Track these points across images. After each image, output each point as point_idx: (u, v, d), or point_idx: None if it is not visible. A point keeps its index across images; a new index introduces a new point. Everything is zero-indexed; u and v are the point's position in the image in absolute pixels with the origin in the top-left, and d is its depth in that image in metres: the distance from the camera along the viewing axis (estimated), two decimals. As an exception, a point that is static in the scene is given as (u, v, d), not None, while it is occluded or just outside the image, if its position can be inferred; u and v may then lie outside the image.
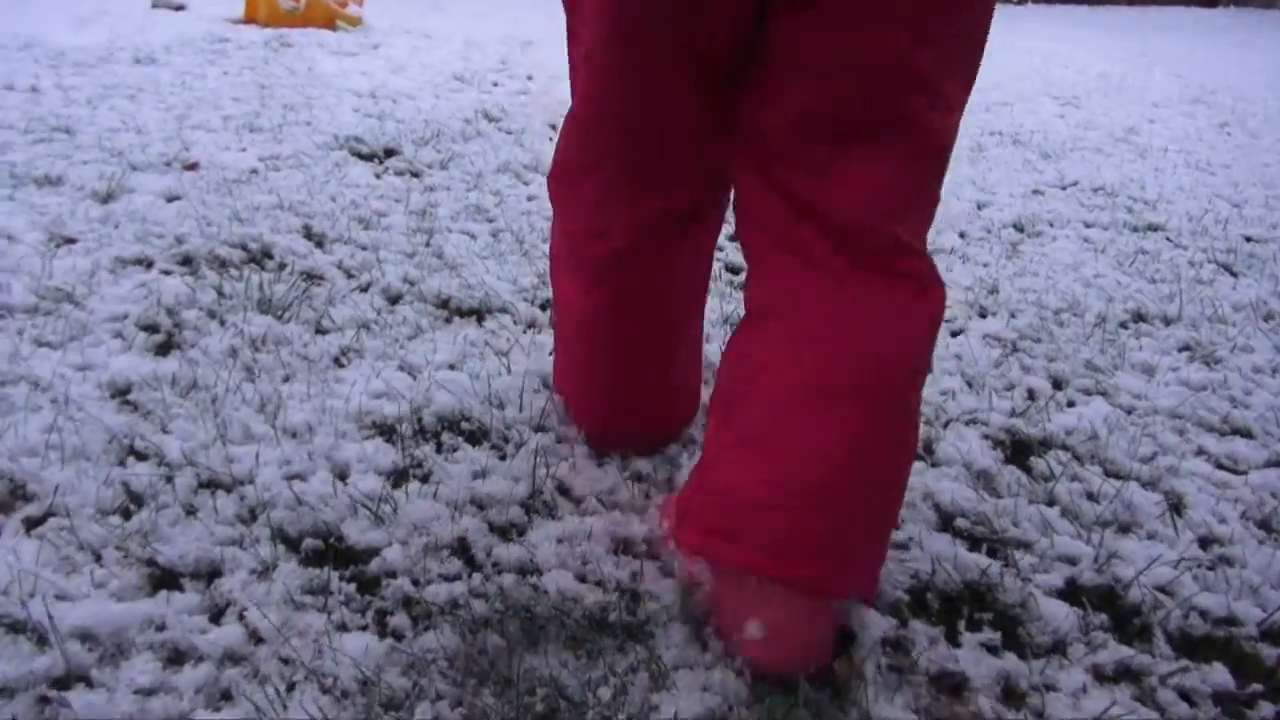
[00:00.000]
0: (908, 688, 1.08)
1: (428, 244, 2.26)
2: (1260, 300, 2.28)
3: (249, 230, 2.19)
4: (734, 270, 2.26)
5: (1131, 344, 2.00)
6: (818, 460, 1.02)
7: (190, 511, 1.23)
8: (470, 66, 4.43)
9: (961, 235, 2.72)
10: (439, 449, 1.42)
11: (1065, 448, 1.57)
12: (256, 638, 1.06)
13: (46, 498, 1.24)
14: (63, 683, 0.99)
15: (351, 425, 1.45)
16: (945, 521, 1.36)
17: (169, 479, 1.28)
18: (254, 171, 2.70)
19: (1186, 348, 2.01)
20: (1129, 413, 1.72)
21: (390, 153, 2.97)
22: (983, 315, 2.11)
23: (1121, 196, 3.18)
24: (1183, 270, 2.50)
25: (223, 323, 1.77)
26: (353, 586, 1.14)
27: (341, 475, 1.34)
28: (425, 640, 1.08)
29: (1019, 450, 1.57)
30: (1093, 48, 7.21)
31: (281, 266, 2.07)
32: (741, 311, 1.20)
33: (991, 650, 1.14)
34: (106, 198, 2.37)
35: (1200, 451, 1.61)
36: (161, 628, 1.06)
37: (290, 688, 1.00)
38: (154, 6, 5.32)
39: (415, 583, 1.15)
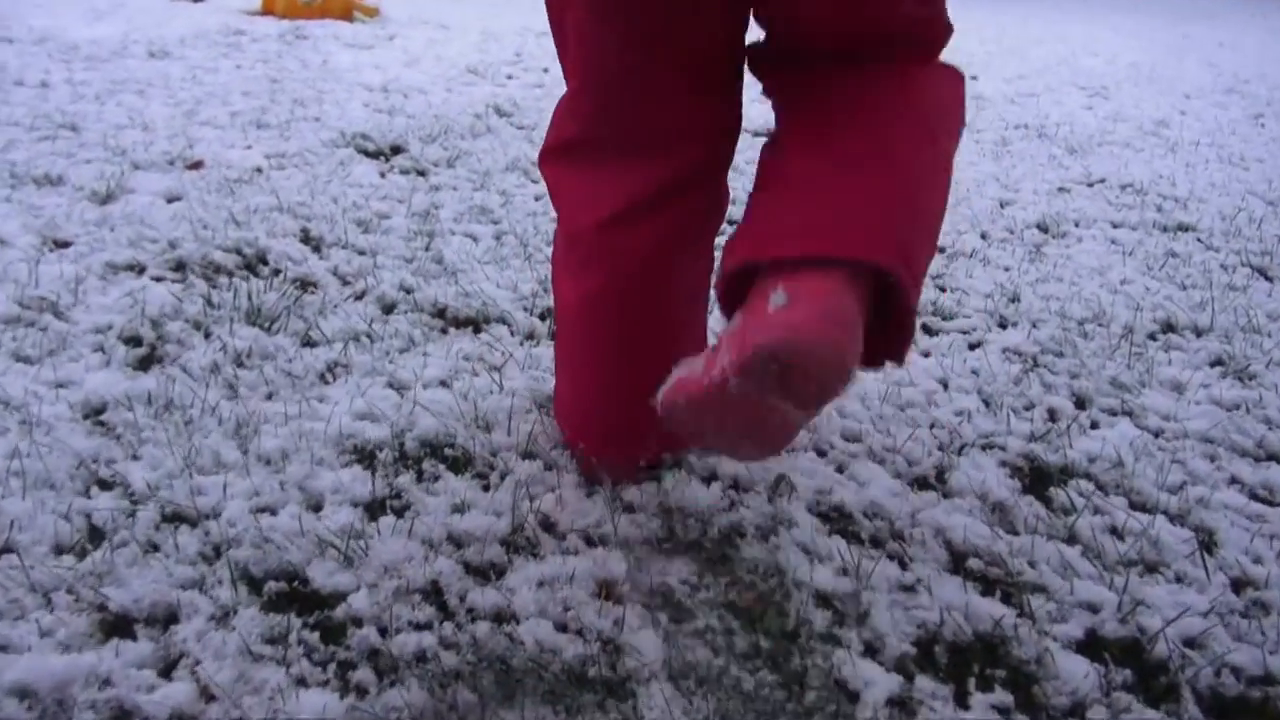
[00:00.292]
0: (910, 756, 0.98)
1: (428, 248, 2.17)
2: (1297, 309, 2.15)
3: (245, 234, 2.11)
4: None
5: (1160, 358, 1.88)
6: (873, 189, 1.05)
7: (151, 548, 1.15)
8: (485, 59, 4.33)
9: (983, 236, 2.59)
10: (419, 477, 1.33)
11: (1088, 476, 1.46)
12: (208, 695, 0.98)
13: (2, 532, 1.16)
14: (-3, 746, 0.92)
15: (330, 451, 1.37)
16: (957, 561, 1.26)
17: (132, 513, 1.20)
18: (258, 170, 2.62)
19: (1219, 362, 1.88)
20: (1157, 435, 1.60)
21: (397, 150, 2.89)
22: (1003, 326, 1.99)
23: (1151, 194, 3.04)
24: (1215, 275, 2.37)
25: (208, 335, 1.69)
26: (315, 635, 1.05)
27: (315, 507, 1.25)
28: (390, 697, 0.99)
29: (1038, 479, 1.46)
30: (1124, 35, 7.00)
31: (276, 273, 1.98)
32: None
33: (1003, 713, 1.04)
34: (105, 199, 2.30)
35: (1233, 480, 1.49)
36: (107, 683, 0.98)
37: (240, 753, 0.92)
38: (173, -2, 5.25)
39: (383, 631, 1.06)
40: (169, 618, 1.07)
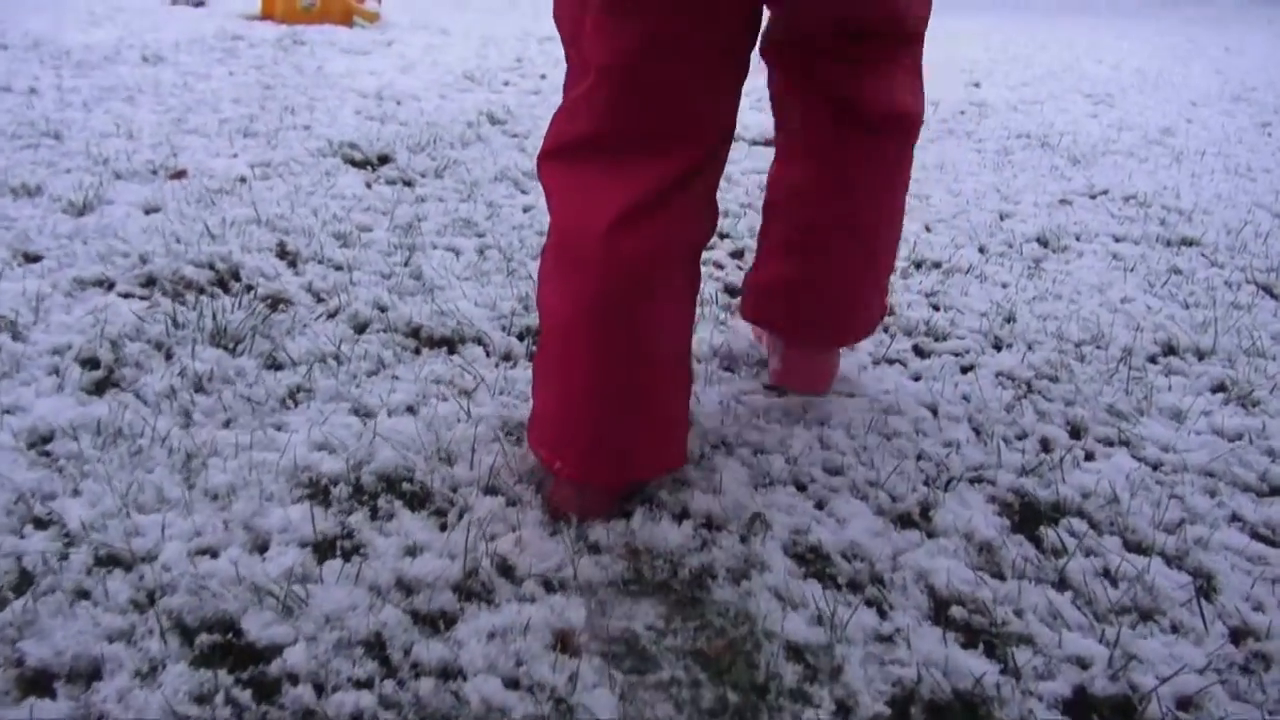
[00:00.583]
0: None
1: (407, 263, 2.09)
2: (1303, 330, 2.05)
3: (219, 249, 2.04)
4: (731, 292, 2.08)
5: (1160, 383, 1.79)
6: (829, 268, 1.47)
7: (80, 596, 1.08)
8: (484, 65, 4.26)
9: (981, 250, 2.51)
10: (374, 515, 1.25)
11: (1081, 514, 1.38)
12: (125, 761, 0.90)
13: (-75, 576, 1.09)
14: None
15: (282, 485, 1.29)
16: (939, 609, 1.18)
17: (64, 555, 1.13)
18: (241, 180, 2.55)
19: (1221, 387, 1.79)
20: (1155, 468, 1.51)
21: (384, 159, 2.81)
22: (997, 347, 1.91)
23: (1154, 206, 2.95)
24: (1219, 293, 2.28)
25: (170, 356, 1.61)
26: (247, 694, 0.98)
27: (260, 547, 1.18)
28: (322, 763, 0.92)
29: (1028, 516, 1.37)
30: (1130, 40, 6.89)
31: (248, 289, 1.91)
32: (733, 348, 1.71)
33: (982, 784, 0.96)
34: (82, 210, 2.23)
35: (1234, 518, 1.40)
36: (17, 748, 0.91)
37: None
38: (173, 3, 5.19)
39: (319, 689, 0.99)
40: (92, 673, 0.99)
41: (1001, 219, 2.79)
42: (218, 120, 3.06)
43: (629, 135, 1.19)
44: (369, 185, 2.60)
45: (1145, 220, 2.81)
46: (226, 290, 1.90)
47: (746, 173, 2.89)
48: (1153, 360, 1.90)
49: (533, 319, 1.88)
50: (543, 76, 4.14)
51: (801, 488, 1.40)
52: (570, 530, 1.25)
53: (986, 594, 1.19)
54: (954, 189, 3.04)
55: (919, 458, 1.48)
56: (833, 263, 1.45)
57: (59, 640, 1.01)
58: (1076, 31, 7.33)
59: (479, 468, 1.35)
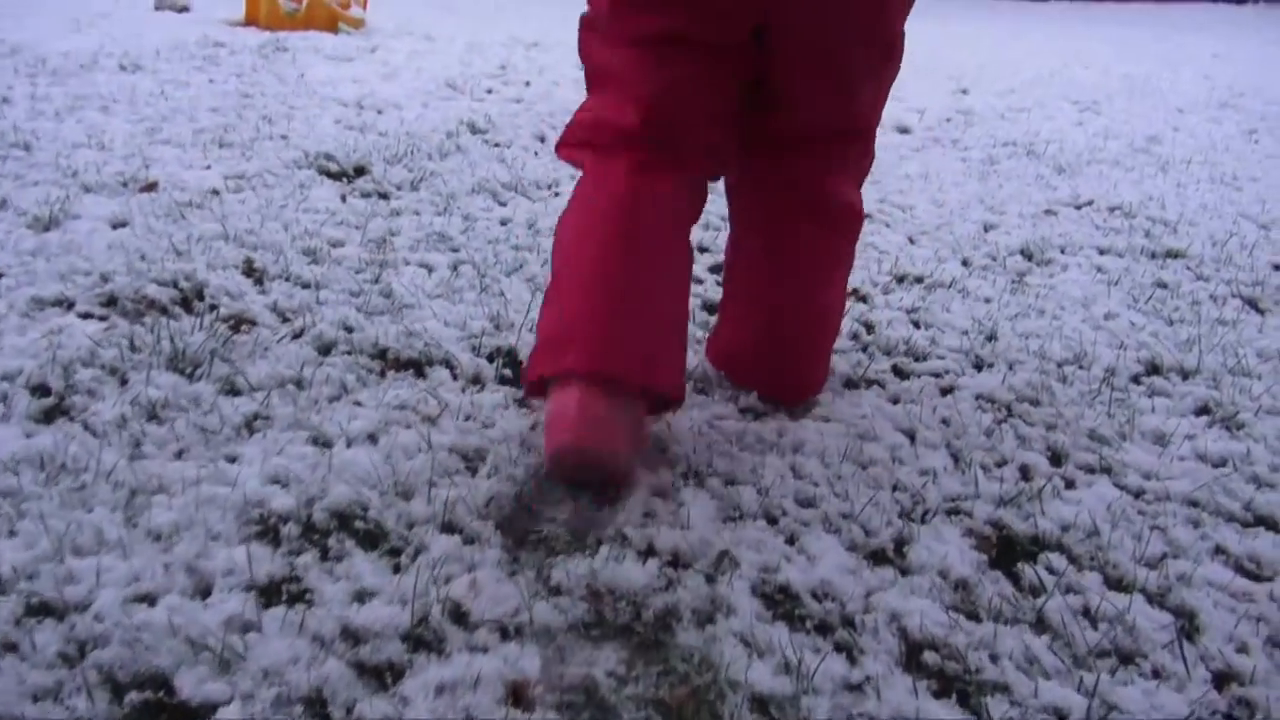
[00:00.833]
0: None
1: (377, 280, 2.03)
2: (1289, 347, 2.00)
3: (184, 266, 1.97)
4: (709, 309, 2.02)
5: (1143, 404, 1.74)
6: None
7: (7, 649, 1.01)
8: (467, 72, 4.20)
9: (965, 263, 2.46)
10: (324, 555, 1.19)
11: (1060, 548, 1.32)
12: (42, 834, 0.84)
13: None
14: None
15: (231, 523, 1.23)
16: (911, 654, 1.12)
17: (-7, 603, 1.07)
18: (214, 192, 2.49)
19: (1205, 409, 1.74)
20: (1137, 496, 1.46)
21: (360, 171, 2.75)
22: (978, 367, 1.85)
23: (1140, 217, 2.90)
24: (1204, 308, 2.23)
25: (125, 382, 1.55)
26: (177, 756, 0.92)
27: (203, 591, 1.12)
28: (253, 834, 0.86)
29: (1006, 550, 1.32)
30: (1118, 46, 6.85)
31: (212, 308, 1.85)
32: (708, 369, 1.73)
33: None
34: (47, 225, 2.17)
35: (1218, 550, 1.35)
36: (-72, 820, 0.84)
37: None
38: (157, 9, 5.12)
39: (254, 751, 0.93)
40: (14, 735, 0.93)
41: (985, 230, 2.74)
42: (193, 130, 2.99)
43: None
44: (343, 198, 2.54)
45: (1130, 232, 2.76)
46: (189, 310, 1.84)
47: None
48: (1136, 380, 1.85)
49: (503, 339, 1.82)
50: (526, 84, 4.09)
51: (773, 521, 1.34)
52: (531, 571, 1.19)
53: (961, 639, 1.13)
54: (938, 199, 2.99)
55: (895, 488, 1.43)
56: (784, 339, 1.59)
57: (-20, 699, 0.94)
58: (1067, 35, 7.29)
59: (436, 502, 1.29)
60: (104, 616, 1.05)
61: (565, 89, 4.05)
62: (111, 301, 1.83)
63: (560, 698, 1.03)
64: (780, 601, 1.19)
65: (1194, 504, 1.45)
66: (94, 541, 1.17)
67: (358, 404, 1.56)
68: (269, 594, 1.12)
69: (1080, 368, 1.86)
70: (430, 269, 2.14)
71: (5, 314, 1.74)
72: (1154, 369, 1.89)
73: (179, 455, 1.38)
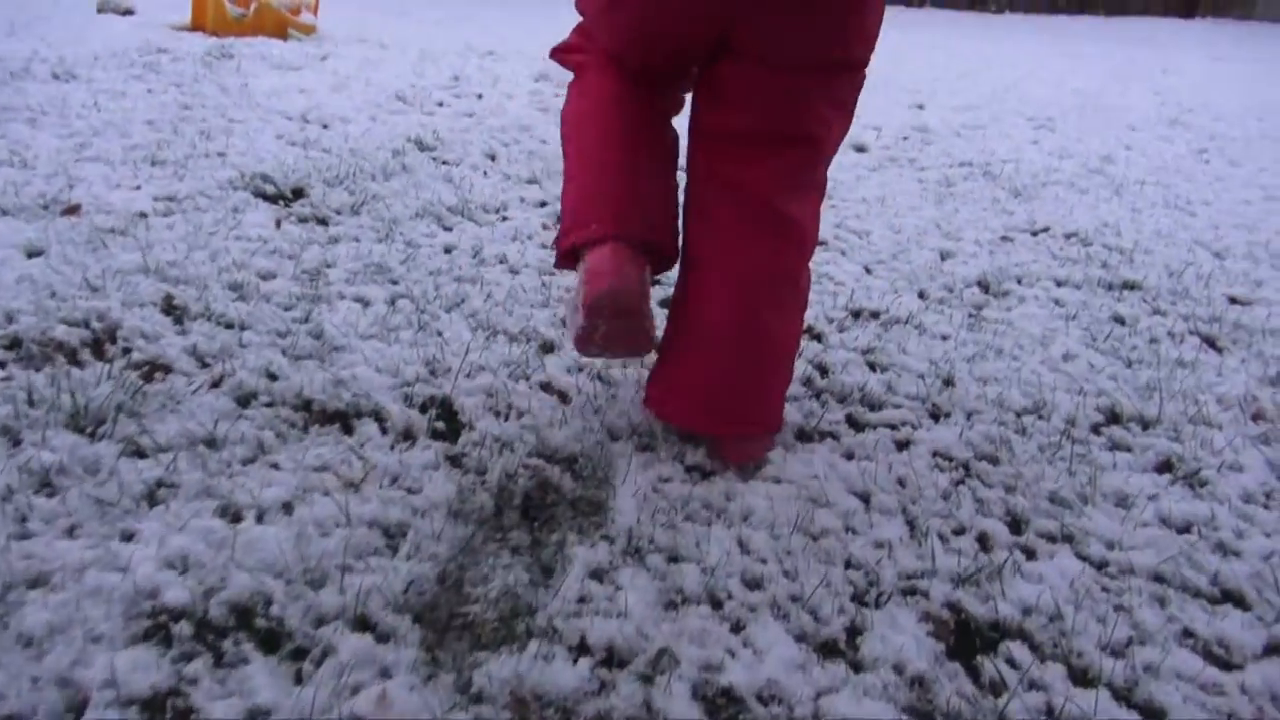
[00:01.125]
0: None
1: (307, 319, 1.89)
2: (1248, 393, 1.92)
3: (98, 304, 1.82)
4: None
5: (1104, 459, 1.65)
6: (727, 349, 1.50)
7: None
8: (419, 84, 4.04)
9: (921, 295, 2.36)
10: (218, 661, 1.06)
11: (1022, 635, 1.22)
12: None
13: None
14: None
15: (117, 621, 1.09)
16: (863, 770, 1.01)
17: None
18: (141, 215, 2.33)
19: (1167, 465, 1.65)
20: (1100, 569, 1.36)
21: (299, 193, 2.60)
22: (935, 417, 1.75)
23: (1096, 245, 2.82)
24: (1163, 346, 2.14)
25: (17, 443, 1.40)
26: None
27: (75, 709, 0.98)
28: None
29: (964, 637, 1.21)
30: (1071, 59, 6.83)
31: (125, 351, 1.70)
32: (654, 422, 1.62)
33: None
34: (-45, 255, 2.00)
35: (1186, 634, 1.26)
36: None
37: None
38: (100, 11, 4.91)
39: None
40: None
41: (942, 259, 2.64)
42: (124, 146, 2.82)
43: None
44: (279, 223, 2.38)
45: (1087, 261, 2.68)
46: (100, 355, 1.69)
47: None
48: (1096, 430, 1.75)
49: (438, 387, 1.70)
50: (479, 96, 3.94)
51: (717, 605, 1.23)
52: (448, 674, 1.06)
53: (917, 751, 1.03)
54: (894, 224, 2.89)
55: (848, 564, 1.32)
56: (730, 361, 1.50)
57: None
58: (1021, 48, 7.26)
59: (349, 592, 1.16)
60: (-45, 749, 0.91)
61: (519, 102, 3.91)
62: (15, 344, 1.68)
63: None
64: (722, 706, 1.08)
65: (1159, 579, 1.35)
66: (-46, 650, 1.02)
67: (274, 466, 1.43)
68: (152, 708, 0.99)
69: (1039, 418, 1.76)
70: (366, 304, 2.00)
71: (-105, 360, 1.59)
72: (1114, 417, 1.80)
73: (70, 533, 1.24)
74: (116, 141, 2.86)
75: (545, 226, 2.57)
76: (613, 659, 1.12)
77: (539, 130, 3.51)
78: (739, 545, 1.33)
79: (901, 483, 1.52)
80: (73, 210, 2.33)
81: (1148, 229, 3.03)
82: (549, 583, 1.24)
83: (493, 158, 3.15)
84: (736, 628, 1.19)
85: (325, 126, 3.29)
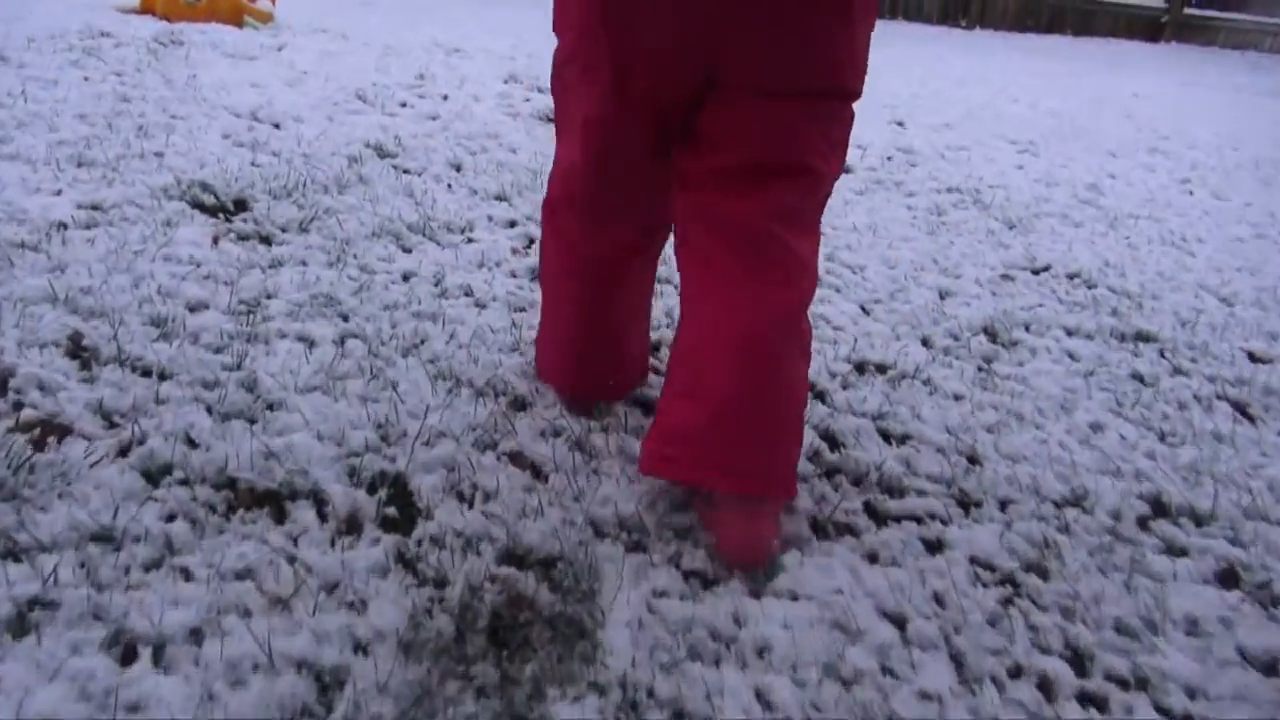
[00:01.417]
0: None
1: (239, 365, 1.58)
2: (1301, 477, 1.69)
3: (-12, 344, 1.50)
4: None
5: (1161, 566, 1.39)
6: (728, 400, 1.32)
7: None
8: (381, 81, 3.70)
9: (925, 343, 2.10)
10: None
11: (1111, 833, 0.96)
12: None
13: None
14: None
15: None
16: None
17: None
18: (60, 227, 1.99)
19: (1232, 575, 1.41)
20: (1183, 725, 1.11)
21: (241, 205, 2.27)
22: (964, 506, 1.49)
23: (1101, 288, 2.59)
24: (1194, 415, 1.91)
25: None
26: None
27: None
28: None
29: (1042, 835, 0.95)
30: (1040, 79, 6.64)
31: (16, 408, 1.38)
32: (642, 513, 1.35)
33: None
34: None
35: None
36: None
37: None
38: (42, -13, 4.47)
39: None
40: None
41: (942, 298, 2.39)
42: (50, 143, 2.46)
43: (594, 209, 1.48)
44: (215, 240, 2.06)
45: (1095, 307, 2.45)
46: (-17, 412, 1.37)
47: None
48: (1143, 525, 1.50)
49: (389, 459, 1.40)
50: (444, 97, 3.61)
51: (735, 789, 0.95)
52: None
53: None
54: (888, 257, 2.63)
55: (890, 724, 1.05)
56: (729, 407, 1.32)
57: None
58: (991, 65, 7.06)
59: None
60: None
61: (486, 106, 3.59)
62: (-123, 396, 1.35)
63: None
64: None
65: (1255, 741, 1.10)
66: None
67: (185, 573, 1.13)
68: None
69: (1083, 510, 1.51)
70: (311, 344, 1.70)
71: None
72: (1160, 508, 1.55)
73: (-98, 679, 0.93)
74: (41, 137, 2.50)
75: (515, 251, 2.27)
76: None
77: (508, 138, 3.20)
78: (758, 699, 1.05)
79: (940, 601, 1.26)
80: (-22, 219, 1.99)
81: (1150, 270, 2.80)
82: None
83: (458, 168, 2.83)
84: (762, 826, 0.92)
85: (277, 126, 2.95)
